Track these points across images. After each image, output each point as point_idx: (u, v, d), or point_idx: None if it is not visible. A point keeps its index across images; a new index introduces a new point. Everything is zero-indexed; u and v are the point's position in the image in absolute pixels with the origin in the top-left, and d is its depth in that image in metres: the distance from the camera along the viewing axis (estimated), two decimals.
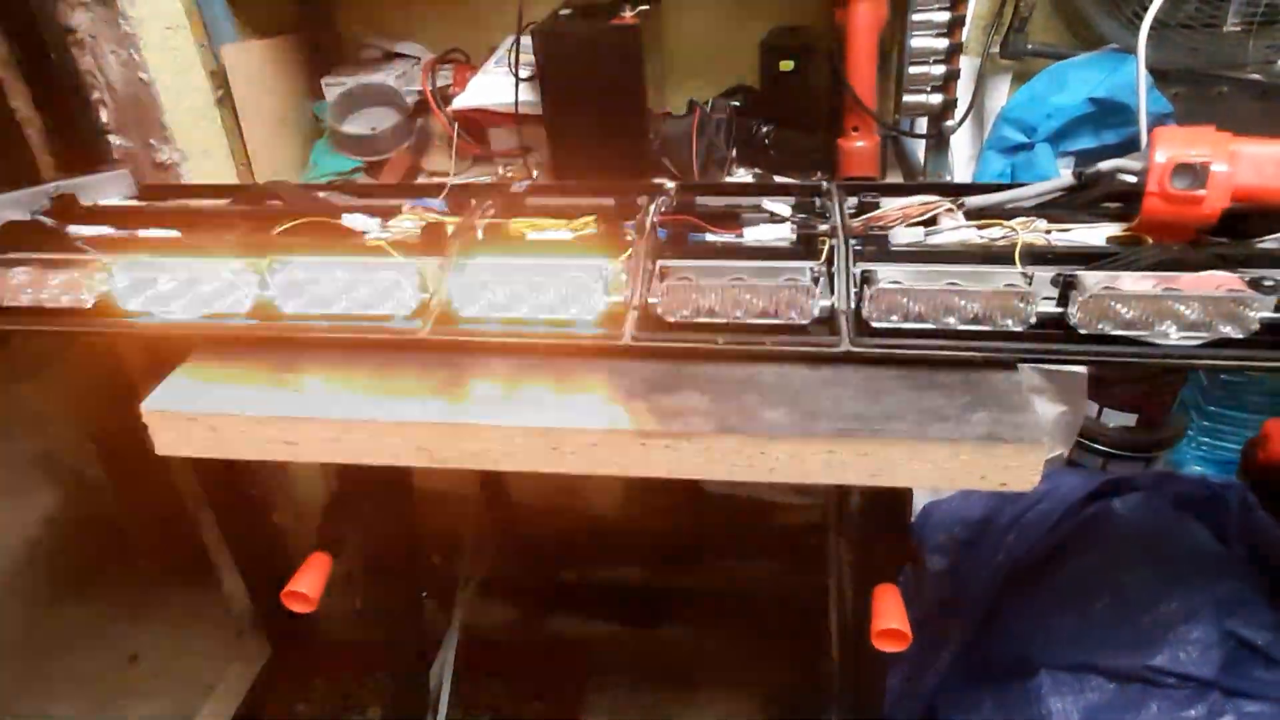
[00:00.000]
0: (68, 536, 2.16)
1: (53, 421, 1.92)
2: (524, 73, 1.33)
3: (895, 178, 1.46)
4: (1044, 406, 1.51)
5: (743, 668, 1.75)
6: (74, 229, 1.00)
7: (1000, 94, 1.46)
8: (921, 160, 1.42)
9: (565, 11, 1.33)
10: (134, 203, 1.18)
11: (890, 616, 0.82)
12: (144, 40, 1.26)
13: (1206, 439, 1.73)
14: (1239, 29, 1.26)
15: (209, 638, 1.95)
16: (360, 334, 0.87)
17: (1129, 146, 1.34)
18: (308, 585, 0.92)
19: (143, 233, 1.01)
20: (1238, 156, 0.79)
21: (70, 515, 2.16)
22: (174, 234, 1.00)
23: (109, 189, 1.17)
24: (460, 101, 1.42)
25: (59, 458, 2.07)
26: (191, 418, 0.80)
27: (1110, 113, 1.35)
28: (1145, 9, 1.19)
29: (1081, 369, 1.47)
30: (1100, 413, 1.62)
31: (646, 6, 1.30)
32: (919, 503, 1.57)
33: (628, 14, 1.27)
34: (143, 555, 2.09)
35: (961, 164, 1.48)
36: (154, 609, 2.02)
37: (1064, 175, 0.96)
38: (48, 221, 1.02)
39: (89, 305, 0.90)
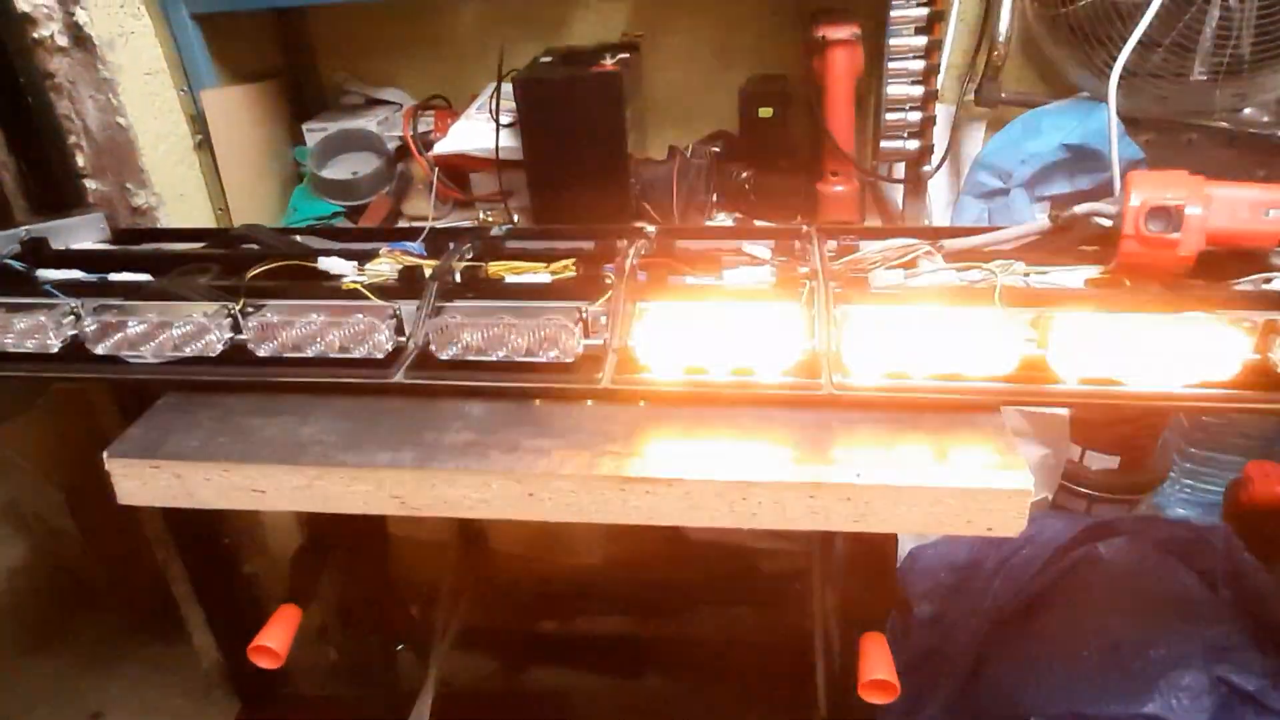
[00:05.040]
0: (33, 588, 2.09)
1: (18, 469, 1.87)
2: (505, 119, 1.34)
3: (874, 222, 1.47)
4: (1027, 449, 1.51)
5: (728, 719, 1.70)
6: (43, 273, 0.99)
7: (976, 140, 1.48)
8: (900, 205, 1.43)
9: (546, 59, 1.34)
10: (107, 246, 1.17)
11: (878, 667, 0.80)
12: (123, 85, 1.26)
13: (1189, 481, 1.73)
14: (1205, 79, 1.29)
15: (176, 693, 1.88)
16: (334, 378, 0.85)
17: (1102, 191, 1.36)
18: (275, 640, 0.89)
19: (114, 276, 0.99)
20: (1211, 199, 0.79)
21: (36, 566, 2.10)
22: (146, 277, 0.98)
23: (82, 232, 1.16)
24: (441, 147, 1.42)
25: (25, 507, 2.01)
26: (155, 465, 0.77)
27: (1083, 158, 1.37)
28: (1115, 59, 1.22)
29: (1063, 411, 1.47)
30: (1083, 455, 1.62)
31: (627, 54, 1.32)
32: (905, 546, 1.55)
33: (608, 61, 1.28)
34: (110, 607, 2.02)
35: (939, 208, 1.50)
36: (120, 663, 1.95)
37: (1040, 219, 0.97)
38: (16, 265, 1.00)
39: (55, 350, 0.88)
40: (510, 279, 0.94)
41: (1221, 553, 1.32)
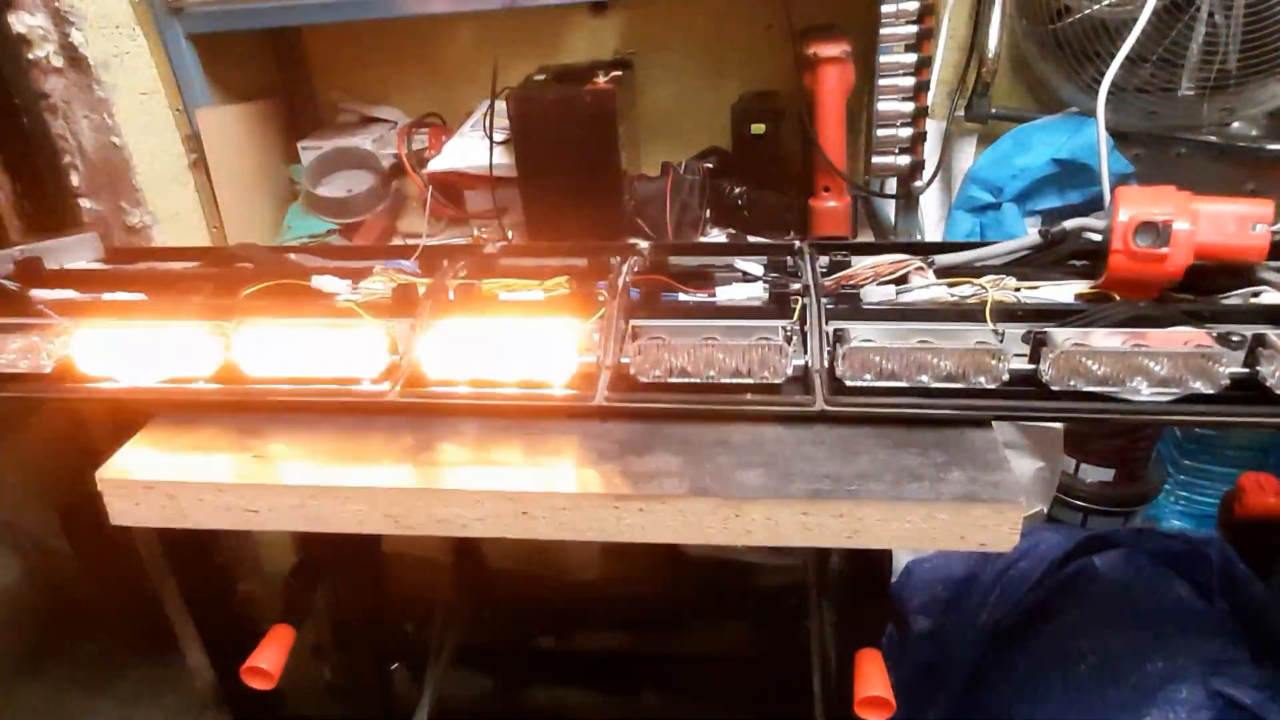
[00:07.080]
0: (26, 609, 2.07)
1: (12, 489, 1.86)
2: (499, 136, 1.34)
3: (866, 237, 1.48)
4: (1022, 462, 1.51)
5: None
6: (36, 293, 0.98)
7: (967, 155, 1.49)
8: (892, 220, 1.44)
9: (540, 77, 1.35)
10: (100, 266, 1.17)
11: (873, 684, 0.80)
12: (117, 105, 1.27)
13: (1184, 493, 1.73)
14: (1193, 93, 1.30)
15: (170, 714, 1.87)
16: (327, 397, 0.85)
17: (1093, 205, 1.37)
18: (268, 660, 0.88)
19: (107, 296, 0.99)
20: (1199, 214, 0.80)
21: (29, 586, 2.08)
22: (139, 297, 0.98)
23: (76, 252, 1.16)
24: (436, 164, 1.43)
25: (18, 527, 2.00)
26: (148, 485, 0.77)
27: (1074, 173, 1.38)
28: (1103, 74, 1.23)
29: (1057, 425, 1.47)
30: (1078, 468, 1.62)
31: (620, 72, 1.33)
32: (901, 561, 1.55)
33: (602, 79, 1.29)
34: (103, 627, 2.01)
35: (931, 223, 1.50)
36: (114, 684, 1.94)
37: (1031, 234, 0.97)
38: (10, 285, 1.00)
39: (48, 370, 0.88)
40: (504, 296, 0.95)
41: (1216, 564, 1.32)
